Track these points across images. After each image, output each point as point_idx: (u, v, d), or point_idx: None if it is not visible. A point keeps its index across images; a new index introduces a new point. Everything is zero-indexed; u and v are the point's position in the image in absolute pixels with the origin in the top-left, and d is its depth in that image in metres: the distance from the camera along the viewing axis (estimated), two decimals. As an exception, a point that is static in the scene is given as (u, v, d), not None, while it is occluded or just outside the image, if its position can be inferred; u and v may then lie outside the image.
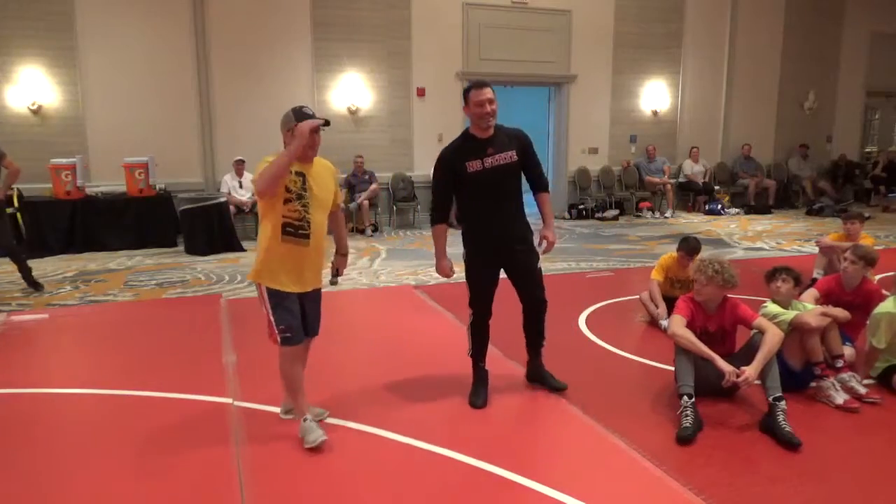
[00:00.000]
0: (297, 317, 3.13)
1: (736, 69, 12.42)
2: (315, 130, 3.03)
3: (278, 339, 3.11)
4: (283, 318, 3.08)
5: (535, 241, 3.66)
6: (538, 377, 3.88)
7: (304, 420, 3.16)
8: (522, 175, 3.63)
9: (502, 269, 3.66)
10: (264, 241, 3.09)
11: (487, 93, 3.41)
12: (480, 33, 10.71)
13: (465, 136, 3.56)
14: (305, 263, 3.12)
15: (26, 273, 6.35)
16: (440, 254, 3.66)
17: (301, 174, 3.06)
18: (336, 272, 3.54)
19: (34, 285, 6.35)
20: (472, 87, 3.47)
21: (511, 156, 3.49)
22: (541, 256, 3.68)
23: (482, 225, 3.58)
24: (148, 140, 8.99)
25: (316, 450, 3.06)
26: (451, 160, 3.52)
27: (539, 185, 3.70)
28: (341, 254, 3.51)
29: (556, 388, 3.79)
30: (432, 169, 3.68)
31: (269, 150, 3.26)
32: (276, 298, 3.08)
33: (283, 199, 3.02)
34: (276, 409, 3.53)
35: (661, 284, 5.12)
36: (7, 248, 6.40)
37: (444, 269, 3.63)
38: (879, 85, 13.73)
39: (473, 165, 3.45)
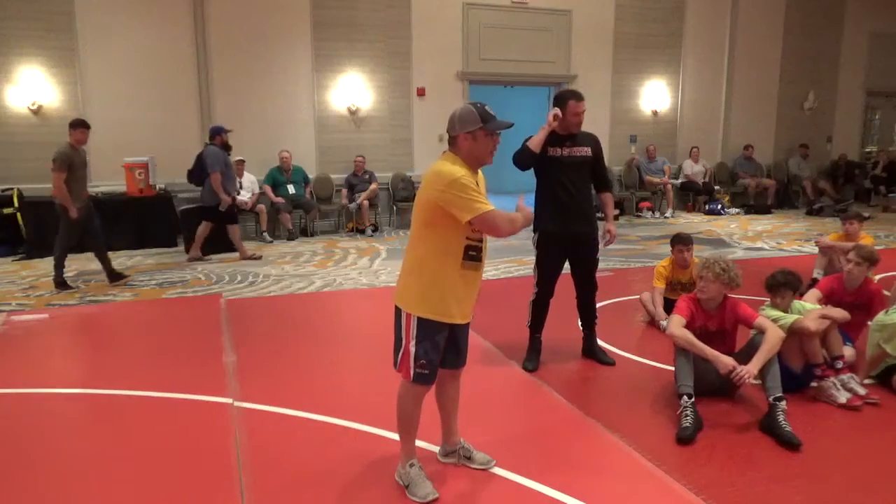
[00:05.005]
0: (441, 354, 2.70)
1: (736, 69, 12.41)
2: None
3: (412, 374, 2.66)
4: (426, 352, 2.63)
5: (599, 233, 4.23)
6: (591, 352, 4.36)
7: (411, 466, 2.76)
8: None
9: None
10: (432, 267, 2.61)
11: (584, 105, 3.98)
12: (480, 33, 10.71)
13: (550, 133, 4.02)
14: (474, 288, 2.72)
15: (60, 271, 6.41)
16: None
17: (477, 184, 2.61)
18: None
19: (63, 285, 6.38)
20: (572, 98, 3.97)
21: (586, 151, 4.09)
22: (600, 248, 4.29)
23: (557, 208, 4.04)
24: (148, 140, 8.99)
25: None
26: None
27: (604, 185, 4.33)
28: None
29: (607, 363, 4.27)
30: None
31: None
32: (428, 330, 2.62)
33: None
34: (277, 409, 3.53)
35: (662, 292, 5.10)
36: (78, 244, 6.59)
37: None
38: (879, 85, 13.73)
39: (554, 151, 4.01)
